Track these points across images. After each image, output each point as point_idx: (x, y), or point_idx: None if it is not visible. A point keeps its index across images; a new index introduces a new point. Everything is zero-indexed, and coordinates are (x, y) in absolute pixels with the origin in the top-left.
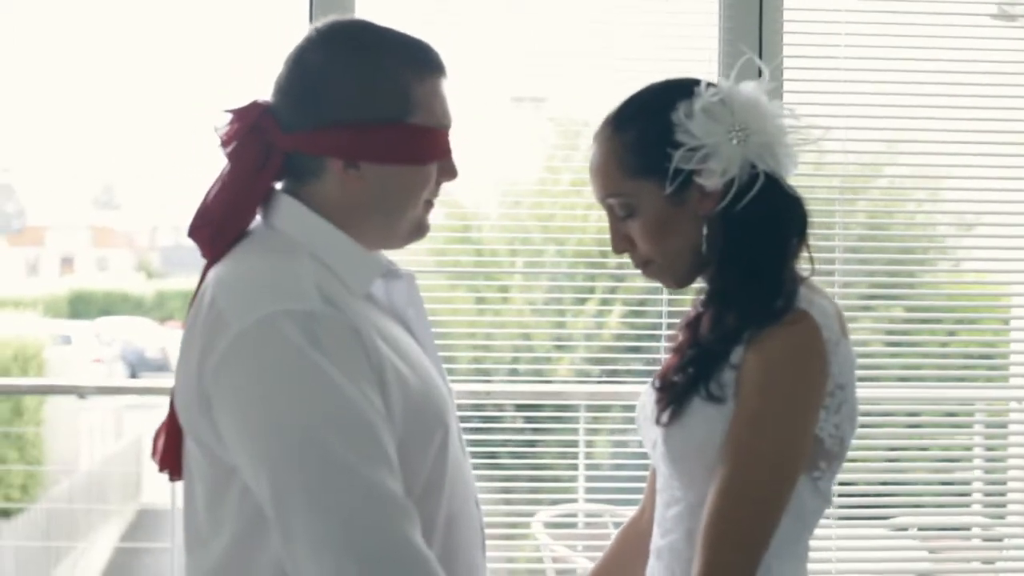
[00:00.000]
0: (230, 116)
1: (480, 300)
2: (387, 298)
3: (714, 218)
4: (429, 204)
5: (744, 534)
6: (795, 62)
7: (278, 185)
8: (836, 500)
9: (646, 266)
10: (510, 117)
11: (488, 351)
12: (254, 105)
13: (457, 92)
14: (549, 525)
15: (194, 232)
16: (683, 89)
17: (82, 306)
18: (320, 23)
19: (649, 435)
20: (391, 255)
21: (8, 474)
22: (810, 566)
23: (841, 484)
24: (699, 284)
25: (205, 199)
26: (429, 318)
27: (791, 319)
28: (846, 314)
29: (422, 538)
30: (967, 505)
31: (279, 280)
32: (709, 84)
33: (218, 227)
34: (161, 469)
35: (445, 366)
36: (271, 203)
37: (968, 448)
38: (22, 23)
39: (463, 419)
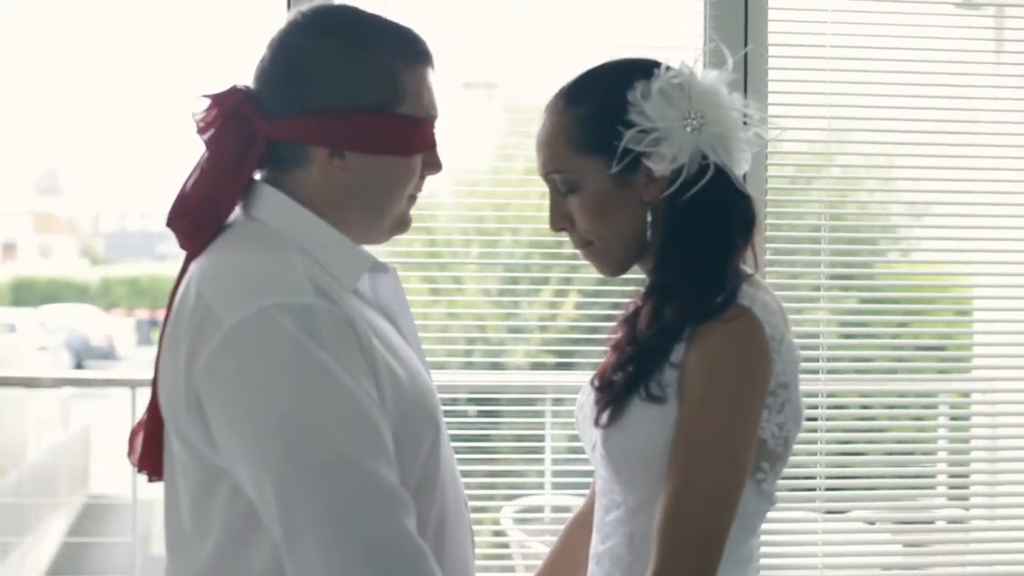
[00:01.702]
0: (208, 101)
1: (434, 291)
2: (373, 293)
3: (659, 206)
4: (412, 198)
5: (699, 537)
6: (779, 50)
7: (257, 175)
8: (823, 494)
9: (585, 247)
10: (462, 103)
11: (443, 342)
12: (234, 90)
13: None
14: (517, 520)
15: (172, 222)
16: (643, 69)
17: (25, 293)
18: (306, 7)
19: (588, 436)
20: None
21: None
22: (797, 560)
23: (829, 478)
24: (641, 275)
25: (183, 188)
26: None
27: (732, 315)
28: (800, 305)
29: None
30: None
31: (270, 273)
32: (670, 67)
33: (198, 218)
34: (140, 470)
35: None
36: (252, 194)
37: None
38: None
39: None
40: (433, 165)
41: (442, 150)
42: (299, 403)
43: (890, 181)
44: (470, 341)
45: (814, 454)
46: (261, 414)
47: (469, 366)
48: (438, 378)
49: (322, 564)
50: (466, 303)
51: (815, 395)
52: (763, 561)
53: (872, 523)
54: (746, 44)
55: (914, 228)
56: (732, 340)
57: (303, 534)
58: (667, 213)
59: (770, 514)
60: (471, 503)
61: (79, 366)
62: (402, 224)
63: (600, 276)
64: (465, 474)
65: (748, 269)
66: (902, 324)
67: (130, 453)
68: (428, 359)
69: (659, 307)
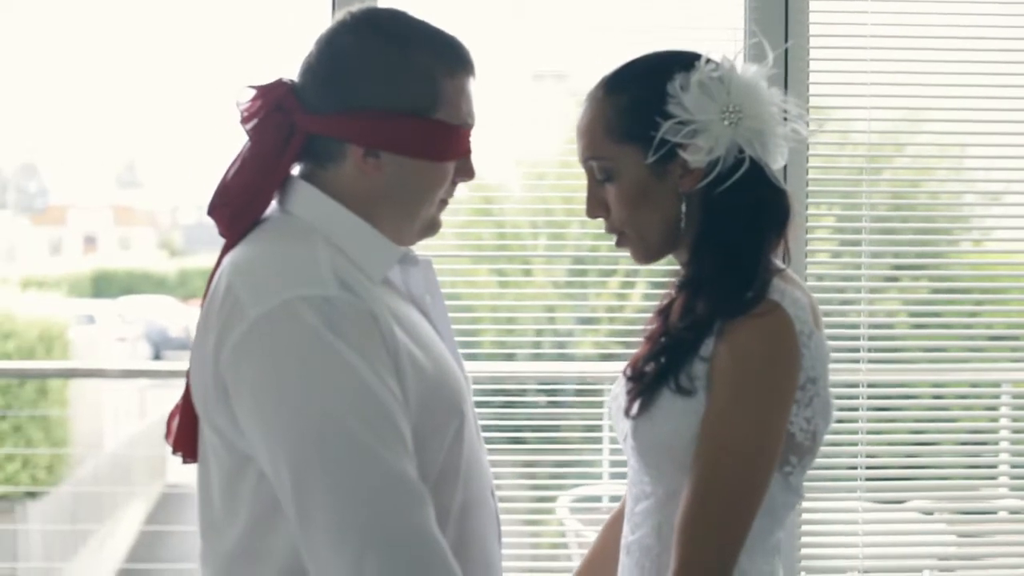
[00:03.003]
0: (253, 92)
1: (503, 282)
2: (404, 284)
3: (693, 197)
4: (443, 203)
5: (719, 531)
6: (821, 41)
7: (295, 171)
8: (864, 484)
9: (618, 235)
10: (531, 94)
11: (511, 333)
12: (279, 83)
13: (478, 69)
14: (575, 510)
15: (213, 211)
16: (683, 61)
17: (105, 285)
18: (355, 8)
19: (620, 427)
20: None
21: (34, 455)
22: (839, 551)
23: (869, 468)
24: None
25: (224, 177)
26: (451, 300)
27: (762, 310)
28: (872, 295)
29: (436, 526)
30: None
31: (296, 266)
32: (710, 60)
33: (237, 207)
34: (175, 451)
35: (469, 350)
36: (287, 189)
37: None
38: (45, 3)
39: (486, 402)
40: (466, 172)
41: (500, 138)
42: (316, 392)
43: (961, 171)
44: (539, 332)
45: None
46: (280, 401)
47: (537, 356)
48: (505, 368)
49: (333, 550)
50: (535, 294)
51: (884, 386)
52: (804, 551)
53: (930, 512)
54: (787, 39)
55: (985, 218)
56: (761, 335)
57: (316, 520)
58: (701, 205)
59: (816, 504)
60: (539, 492)
61: (157, 357)
62: (431, 227)
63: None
64: (532, 463)
65: (780, 263)
66: (973, 314)
67: (167, 435)
68: (497, 350)
69: (691, 300)
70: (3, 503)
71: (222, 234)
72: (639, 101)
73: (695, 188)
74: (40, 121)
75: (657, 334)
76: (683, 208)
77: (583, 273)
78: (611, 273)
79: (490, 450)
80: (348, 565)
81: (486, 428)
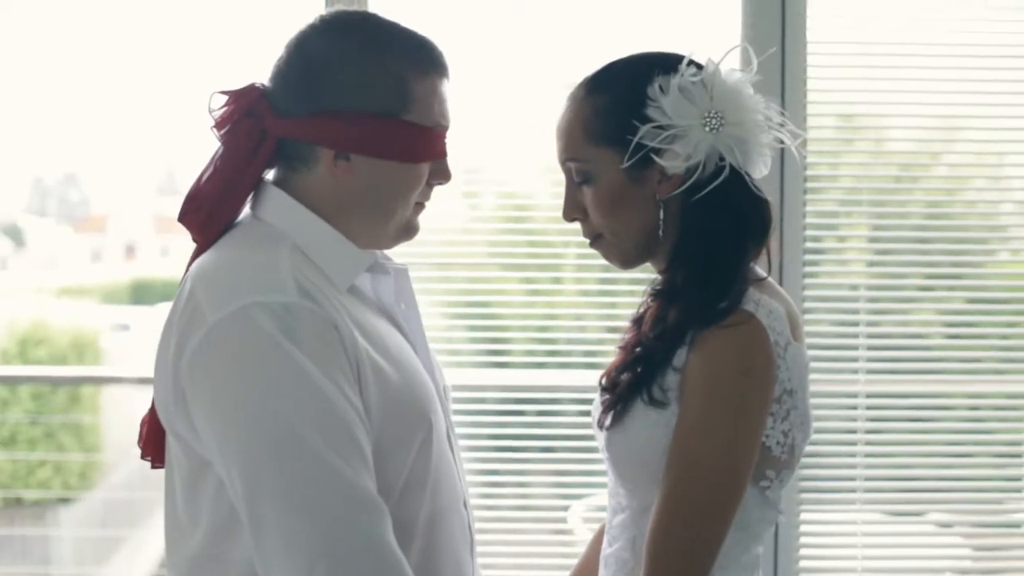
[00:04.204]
0: (225, 97)
1: (532, 291)
2: (374, 292)
3: (671, 204)
4: (419, 206)
5: (689, 546)
6: (849, 48)
7: (269, 176)
8: (863, 496)
9: (595, 239)
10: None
11: (542, 342)
12: (251, 88)
13: (508, 79)
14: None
15: (184, 217)
16: (665, 63)
17: (143, 293)
18: (326, 12)
19: (598, 438)
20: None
21: (66, 462)
22: (837, 563)
23: (868, 480)
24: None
25: (197, 183)
26: (480, 309)
27: (734, 320)
28: (905, 305)
29: (395, 539)
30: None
31: (257, 272)
32: (692, 63)
33: (209, 213)
34: (143, 456)
35: (498, 357)
36: (259, 194)
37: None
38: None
39: (516, 412)
40: (441, 174)
41: (530, 148)
42: (269, 399)
43: (1000, 180)
44: (570, 341)
45: (920, 455)
46: (233, 408)
47: (566, 366)
48: (532, 378)
49: (283, 559)
50: (565, 303)
51: (919, 396)
52: (803, 564)
53: (949, 526)
54: (784, 43)
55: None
56: (732, 346)
57: (267, 528)
58: (679, 212)
59: (822, 516)
60: (569, 503)
61: None
62: (408, 230)
63: None
64: (565, 472)
65: (761, 272)
66: (1010, 324)
67: (139, 440)
68: (527, 359)
69: (663, 309)
70: (36, 509)
71: (194, 240)
72: (618, 103)
73: (672, 195)
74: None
75: (631, 344)
76: (661, 215)
77: (613, 282)
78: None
79: (522, 459)
80: (298, 575)
81: (517, 437)
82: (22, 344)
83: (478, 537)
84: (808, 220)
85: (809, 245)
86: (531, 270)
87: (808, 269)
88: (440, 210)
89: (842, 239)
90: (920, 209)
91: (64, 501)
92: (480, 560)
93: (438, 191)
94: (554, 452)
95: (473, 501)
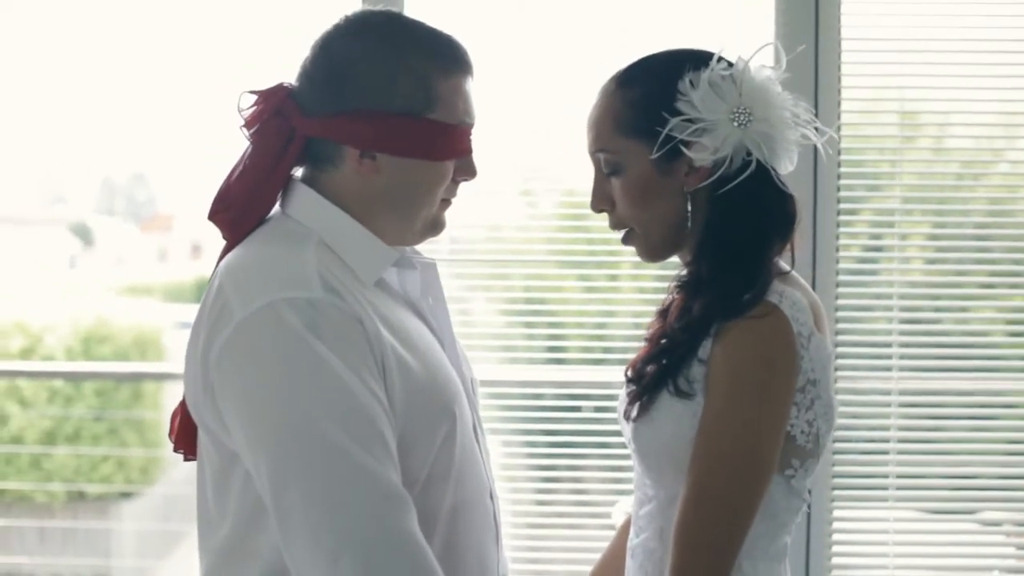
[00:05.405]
0: (254, 97)
1: (589, 288)
2: (401, 287)
3: (698, 197)
4: (446, 202)
5: (715, 536)
6: (906, 44)
7: (298, 174)
8: (895, 493)
9: (626, 235)
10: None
11: (599, 339)
12: (279, 88)
13: (566, 77)
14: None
15: (214, 215)
16: (696, 58)
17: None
18: (351, 12)
19: (624, 430)
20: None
21: (128, 457)
22: (870, 560)
23: (900, 477)
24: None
25: (226, 182)
26: (537, 305)
27: (758, 312)
28: (967, 302)
29: (419, 529)
30: None
31: (283, 268)
32: (723, 59)
33: (239, 212)
34: (176, 449)
35: (555, 354)
36: (288, 192)
37: None
38: (151, 12)
39: (573, 408)
40: (467, 171)
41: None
42: (295, 393)
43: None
44: (626, 338)
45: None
46: (260, 402)
47: (623, 363)
48: (588, 374)
49: (309, 551)
50: (621, 299)
51: (976, 394)
52: (835, 560)
53: (999, 524)
54: (817, 40)
55: None
56: (756, 337)
57: (293, 520)
58: (706, 205)
59: (854, 513)
60: (619, 499)
61: None
62: (434, 227)
63: None
64: (617, 468)
65: (785, 266)
66: None
67: (170, 433)
68: (584, 355)
69: (688, 301)
70: (98, 503)
71: (225, 238)
72: (649, 96)
73: (699, 187)
74: (150, 131)
75: (657, 336)
76: (688, 207)
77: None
78: None
79: (578, 455)
80: (324, 566)
81: (573, 433)
82: (86, 342)
83: (533, 532)
84: (841, 218)
85: (843, 242)
86: (588, 267)
87: (842, 266)
88: (499, 208)
89: (876, 236)
90: (982, 207)
91: (126, 495)
92: (534, 555)
93: (498, 188)
94: (610, 448)
95: (529, 496)
